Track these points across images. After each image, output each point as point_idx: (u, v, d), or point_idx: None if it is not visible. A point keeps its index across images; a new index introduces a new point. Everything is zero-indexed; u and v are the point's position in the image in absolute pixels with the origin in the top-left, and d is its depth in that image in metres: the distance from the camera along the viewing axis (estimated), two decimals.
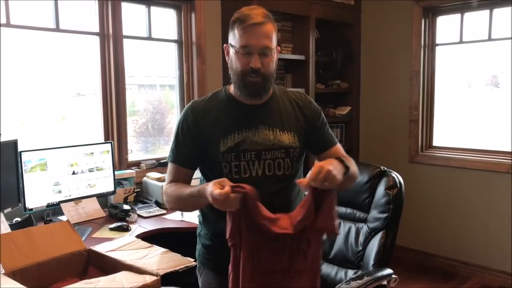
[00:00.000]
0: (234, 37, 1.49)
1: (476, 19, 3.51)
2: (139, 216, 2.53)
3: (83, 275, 1.28)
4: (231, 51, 1.51)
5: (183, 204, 1.55)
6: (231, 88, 1.58)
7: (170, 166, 1.60)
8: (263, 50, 1.46)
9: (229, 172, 1.50)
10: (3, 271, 1.13)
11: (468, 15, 3.54)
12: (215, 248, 1.58)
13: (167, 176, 1.61)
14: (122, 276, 1.12)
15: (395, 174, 2.06)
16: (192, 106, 1.59)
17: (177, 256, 1.22)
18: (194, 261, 1.21)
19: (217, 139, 1.52)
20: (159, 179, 2.76)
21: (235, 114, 1.55)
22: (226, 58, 1.56)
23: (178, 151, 1.57)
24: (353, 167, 1.51)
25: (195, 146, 1.54)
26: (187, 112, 1.58)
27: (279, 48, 1.57)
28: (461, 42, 3.60)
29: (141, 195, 2.81)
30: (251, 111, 1.55)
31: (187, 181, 1.58)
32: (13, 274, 1.13)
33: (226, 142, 1.51)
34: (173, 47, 3.24)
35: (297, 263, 1.35)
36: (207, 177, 1.58)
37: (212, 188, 1.26)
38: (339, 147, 1.67)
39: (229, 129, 1.52)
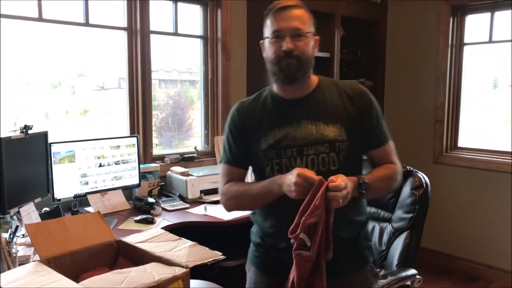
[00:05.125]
0: (267, 28, 1.46)
1: (507, 18, 3.43)
2: (163, 209, 2.57)
3: (113, 265, 1.31)
4: (266, 42, 1.47)
5: (250, 199, 1.48)
6: (274, 86, 1.53)
7: (223, 167, 1.58)
8: (295, 32, 1.41)
9: (271, 170, 1.45)
10: (38, 258, 1.16)
11: (498, 14, 3.46)
12: (264, 247, 1.55)
13: (221, 177, 1.57)
14: (152, 267, 1.14)
15: (421, 175, 2.04)
16: (238, 106, 1.58)
17: (205, 249, 1.24)
18: (221, 255, 1.21)
19: (259, 137, 1.48)
20: (183, 173, 2.79)
21: (277, 111, 1.50)
22: (264, 55, 1.50)
23: (230, 152, 1.55)
24: (380, 183, 1.44)
25: (244, 145, 1.52)
26: (234, 113, 1.56)
27: (317, 37, 1.50)
28: (490, 41, 3.53)
29: (165, 189, 2.85)
30: (293, 106, 1.48)
31: (242, 181, 1.57)
32: (48, 262, 1.16)
33: (267, 139, 1.46)
34: (198, 43, 3.27)
35: None
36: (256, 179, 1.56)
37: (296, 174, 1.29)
38: (388, 148, 1.54)
39: (271, 126, 1.47)
